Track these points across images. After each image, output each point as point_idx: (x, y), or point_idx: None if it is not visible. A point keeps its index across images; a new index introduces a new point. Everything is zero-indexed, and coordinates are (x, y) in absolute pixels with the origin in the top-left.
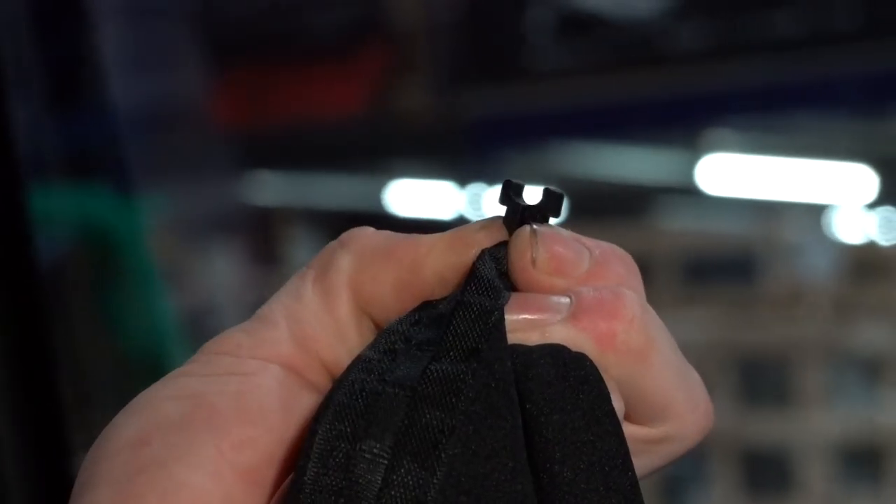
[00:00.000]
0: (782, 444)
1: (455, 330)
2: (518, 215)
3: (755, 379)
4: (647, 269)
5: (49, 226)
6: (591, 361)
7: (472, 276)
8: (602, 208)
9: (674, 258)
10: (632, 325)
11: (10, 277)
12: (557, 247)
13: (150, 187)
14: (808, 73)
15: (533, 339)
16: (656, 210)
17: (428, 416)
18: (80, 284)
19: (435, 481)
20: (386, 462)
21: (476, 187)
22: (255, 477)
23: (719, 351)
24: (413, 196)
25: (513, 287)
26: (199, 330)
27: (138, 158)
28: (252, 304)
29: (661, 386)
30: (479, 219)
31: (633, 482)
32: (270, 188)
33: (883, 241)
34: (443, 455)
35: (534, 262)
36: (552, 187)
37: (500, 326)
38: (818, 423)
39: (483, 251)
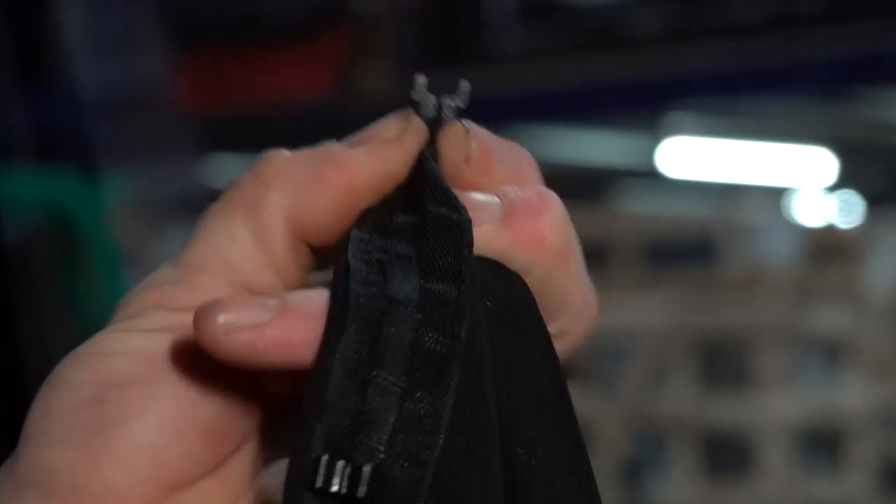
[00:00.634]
0: (742, 427)
1: (432, 246)
2: (439, 112)
3: (715, 362)
4: (608, 253)
5: (12, 207)
6: (522, 280)
7: (429, 183)
8: (563, 191)
9: (634, 241)
10: (557, 227)
11: None
12: (489, 143)
13: (112, 169)
14: (768, 56)
15: None
16: (617, 193)
17: (433, 341)
18: (44, 265)
19: (445, 409)
20: (399, 390)
21: None
22: (214, 432)
23: (680, 334)
24: None
25: None
26: None
27: (102, 140)
28: None
29: (572, 285)
30: (386, 120)
31: (566, 395)
32: (233, 171)
33: (842, 223)
34: (451, 383)
35: (467, 159)
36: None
37: (471, 242)
38: (778, 406)
39: (423, 154)
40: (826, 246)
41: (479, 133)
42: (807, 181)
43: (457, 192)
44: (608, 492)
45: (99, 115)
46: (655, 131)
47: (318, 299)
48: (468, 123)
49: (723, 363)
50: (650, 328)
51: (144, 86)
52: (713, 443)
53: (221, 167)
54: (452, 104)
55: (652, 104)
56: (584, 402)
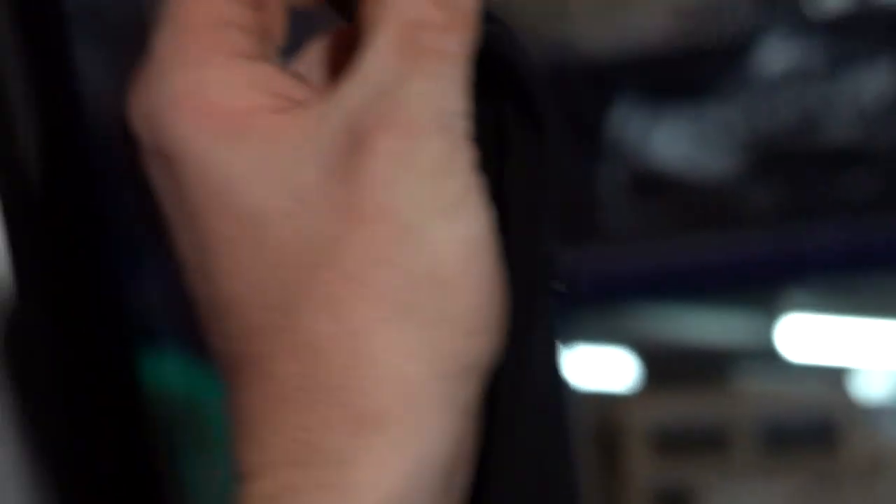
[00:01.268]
0: None
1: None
2: None
3: None
4: (726, 436)
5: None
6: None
7: None
8: (678, 373)
9: (753, 424)
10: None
11: None
12: None
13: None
14: (885, 232)
15: None
16: (734, 374)
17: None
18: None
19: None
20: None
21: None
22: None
23: None
24: None
25: None
26: None
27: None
28: None
29: None
30: None
31: None
32: None
33: None
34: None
35: None
36: None
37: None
38: None
39: None
40: None
41: None
42: None
43: None
44: None
45: None
46: (773, 309)
47: None
48: None
49: None
50: None
51: None
52: None
53: None
54: None
55: (768, 282)
56: None
